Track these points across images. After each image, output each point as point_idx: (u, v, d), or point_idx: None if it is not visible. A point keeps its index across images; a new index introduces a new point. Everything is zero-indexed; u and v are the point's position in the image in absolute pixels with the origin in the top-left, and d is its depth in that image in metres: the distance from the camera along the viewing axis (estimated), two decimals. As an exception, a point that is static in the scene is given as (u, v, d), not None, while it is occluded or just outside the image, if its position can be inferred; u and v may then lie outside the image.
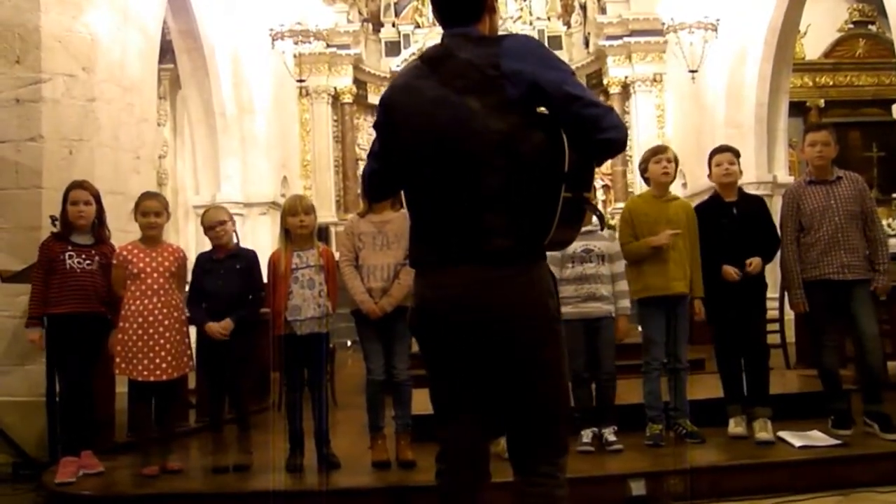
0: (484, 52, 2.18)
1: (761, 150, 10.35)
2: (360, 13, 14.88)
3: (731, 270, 4.54)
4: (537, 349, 2.18)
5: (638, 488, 3.87)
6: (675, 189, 4.86)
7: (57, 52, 5.34)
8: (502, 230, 2.13)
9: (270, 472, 4.21)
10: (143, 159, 6.11)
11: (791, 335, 7.16)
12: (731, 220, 4.63)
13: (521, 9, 15.19)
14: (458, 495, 2.27)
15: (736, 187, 4.75)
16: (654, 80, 13.74)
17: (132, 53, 6.04)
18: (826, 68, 12.65)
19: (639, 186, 12.46)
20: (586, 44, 14.97)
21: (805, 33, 12.16)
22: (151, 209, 4.41)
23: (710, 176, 4.81)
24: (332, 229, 12.42)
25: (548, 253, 2.26)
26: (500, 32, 2.40)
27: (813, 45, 12.65)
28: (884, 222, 8.85)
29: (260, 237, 9.75)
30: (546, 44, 11.05)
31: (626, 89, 13.99)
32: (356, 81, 14.31)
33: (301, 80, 12.28)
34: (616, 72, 13.98)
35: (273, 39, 11.31)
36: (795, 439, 4.37)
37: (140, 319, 4.26)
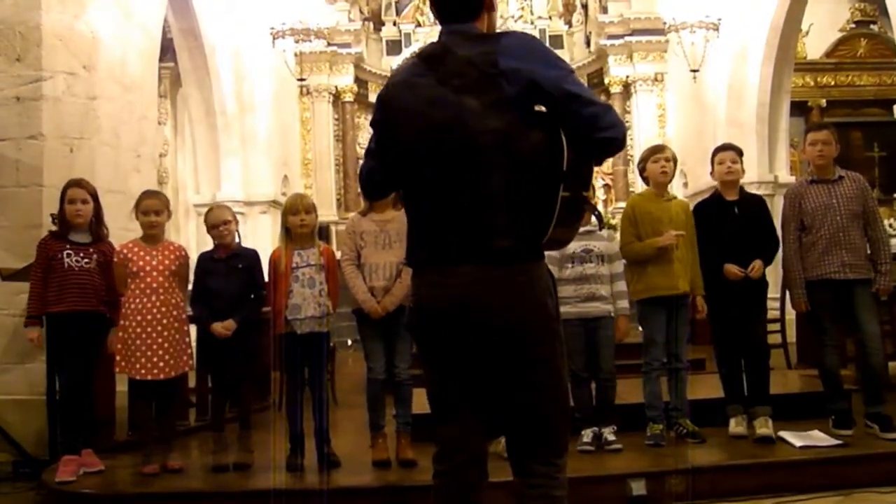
0: (482, 49, 2.16)
1: (763, 149, 10.34)
2: (361, 12, 14.86)
3: (733, 269, 4.54)
4: (536, 349, 2.18)
5: (638, 488, 3.87)
6: (677, 188, 4.86)
7: (58, 50, 5.33)
8: (502, 230, 2.12)
9: (271, 470, 4.20)
10: (143, 158, 6.11)
11: (792, 335, 7.16)
12: (731, 220, 4.63)
13: (523, 8, 15.17)
14: (458, 496, 2.26)
15: (738, 186, 4.75)
16: (656, 80, 13.73)
17: (133, 52, 6.04)
18: (828, 68, 12.64)
19: (639, 186, 12.45)
20: (587, 43, 14.95)
21: (807, 33, 12.16)
22: (152, 208, 4.41)
23: (712, 174, 4.81)
24: (333, 228, 12.41)
25: (547, 252, 2.25)
26: (498, 30, 2.39)
27: (814, 45, 12.64)
28: (885, 222, 8.84)
29: (260, 236, 9.75)
30: (547, 43, 11.08)
31: (627, 89, 13.97)
32: (357, 80, 14.29)
33: (302, 79, 12.27)
34: (617, 71, 13.96)
35: (274, 38, 11.30)
36: (796, 439, 4.37)
37: (139, 318, 4.25)
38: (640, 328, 4.68)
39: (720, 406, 4.70)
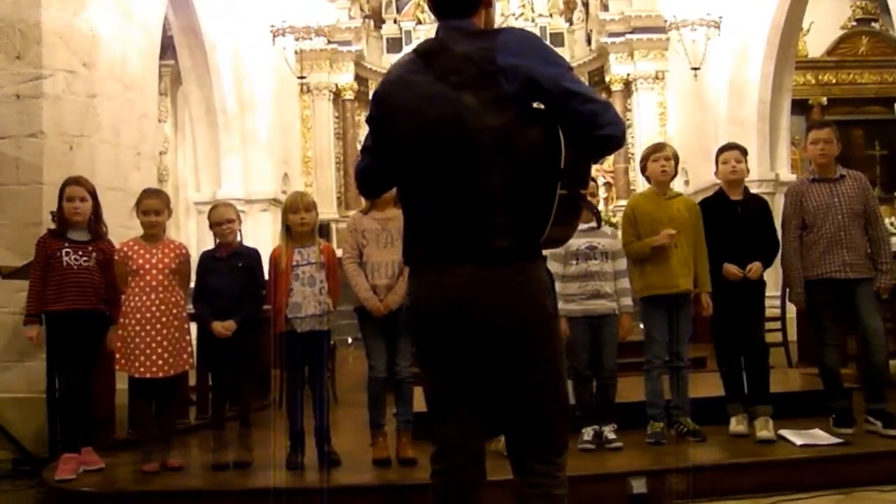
0: (479, 46, 2.14)
1: (764, 148, 10.34)
2: (361, 9, 14.85)
3: (732, 269, 4.53)
4: (536, 349, 2.16)
5: (639, 486, 3.86)
6: (678, 186, 4.85)
7: (58, 47, 5.33)
8: (501, 228, 2.10)
9: (271, 469, 4.20)
10: (143, 156, 6.11)
11: (793, 333, 7.15)
12: (734, 219, 4.62)
13: (524, 6, 15.16)
14: (456, 496, 2.25)
15: (742, 186, 4.74)
16: (657, 78, 13.73)
17: (133, 50, 6.03)
18: (829, 66, 12.63)
19: (640, 184, 12.45)
20: (588, 41, 14.95)
21: (808, 31, 12.14)
22: (152, 208, 4.40)
23: (716, 173, 4.80)
24: (334, 226, 12.41)
25: (552, 250, 2.24)
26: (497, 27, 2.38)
27: (816, 43, 12.63)
28: (886, 220, 8.84)
29: (261, 234, 9.75)
30: (548, 41, 11.06)
31: (628, 87, 13.97)
32: (357, 78, 14.28)
33: (302, 77, 12.27)
34: (618, 69, 13.96)
35: (274, 36, 11.29)
36: (797, 438, 4.36)
37: (138, 316, 4.25)
38: (642, 326, 4.68)
39: (721, 404, 4.70)
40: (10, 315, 5.07)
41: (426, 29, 14.44)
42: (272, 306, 4.34)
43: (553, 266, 4.35)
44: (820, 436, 4.40)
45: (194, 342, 4.62)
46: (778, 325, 7.04)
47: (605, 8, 14.16)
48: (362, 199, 4.53)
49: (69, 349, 4.33)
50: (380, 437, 4.31)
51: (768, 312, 5.23)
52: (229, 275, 4.47)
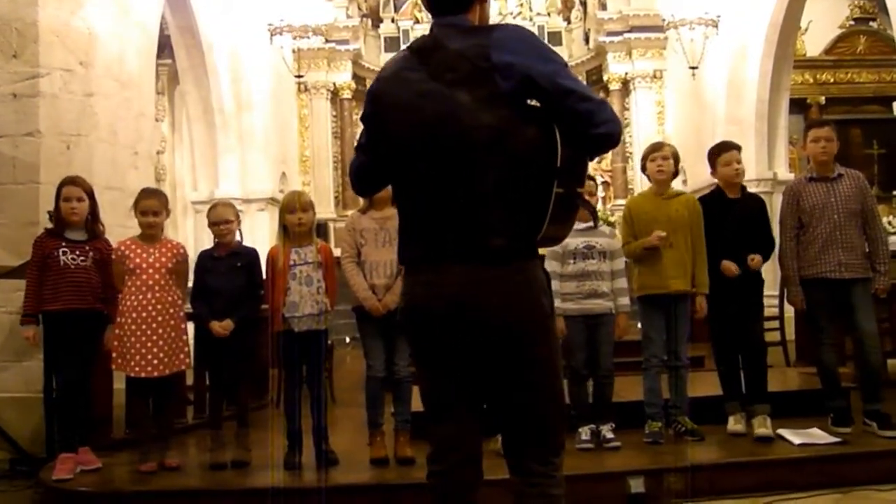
0: (474, 42, 2.13)
1: (762, 146, 10.34)
2: (359, 8, 14.84)
3: (730, 266, 4.53)
4: (533, 348, 2.15)
5: (637, 486, 3.86)
6: (676, 185, 4.84)
7: (55, 46, 5.32)
8: (498, 228, 2.09)
9: (269, 468, 4.19)
10: (141, 155, 6.09)
11: (791, 333, 7.15)
12: (731, 218, 4.62)
13: (521, 4, 15.16)
14: (453, 496, 2.24)
15: (740, 185, 4.74)
16: (655, 77, 13.73)
17: (130, 49, 6.02)
18: (827, 65, 12.62)
19: (639, 183, 12.46)
20: (586, 40, 14.94)
21: (806, 30, 12.14)
22: (151, 208, 4.39)
23: (714, 174, 4.78)
24: (331, 226, 12.40)
25: (549, 249, 2.23)
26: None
27: (814, 42, 12.62)
28: (884, 220, 8.85)
29: (258, 233, 9.74)
30: (546, 40, 11.06)
31: (626, 86, 13.97)
32: (355, 77, 14.27)
33: (300, 76, 12.26)
34: (616, 68, 13.95)
35: (271, 35, 11.28)
36: (795, 437, 4.36)
37: (135, 315, 4.24)
38: (640, 325, 4.68)
39: (719, 404, 4.70)
40: (7, 315, 5.07)
41: (424, 28, 14.41)
42: (269, 306, 4.34)
43: (551, 265, 4.36)
44: (818, 435, 4.40)
45: (192, 341, 4.61)
46: (776, 324, 7.04)
47: (603, 7, 14.15)
48: (360, 199, 4.51)
49: (66, 349, 4.32)
50: (378, 436, 4.31)
51: (766, 311, 5.23)
52: (228, 274, 4.46)
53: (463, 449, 2.24)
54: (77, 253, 4.37)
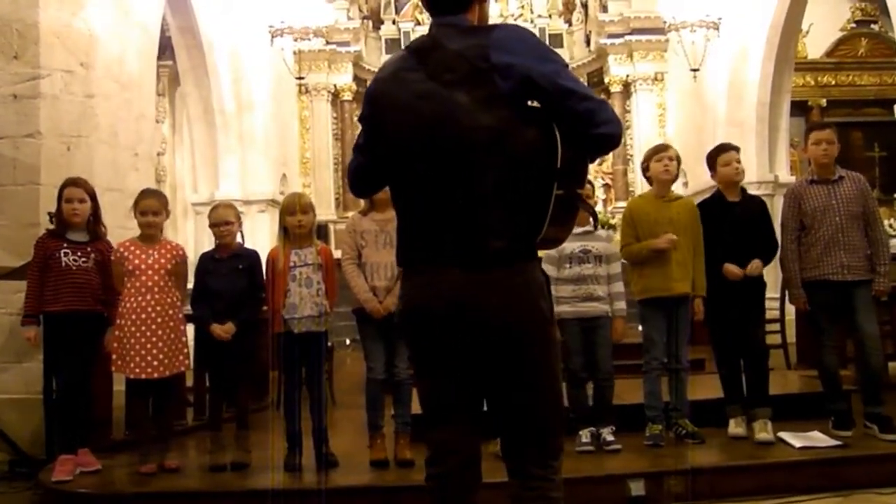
0: (473, 43, 2.11)
1: (763, 149, 10.33)
2: (360, 10, 14.84)
3: (733, 269, 4.52)
4: (533, 351, 2.14)
5: (637, 489, 3.86)
6: (677, 188, 4.84)
7: (55, 47, 5.31)
8: (497, 230, 2.08)
9: (269, 470, 4.19)
10: (141, 156, 6.09)
11: (792, 335, 7.15)
12: (733, 221, 4.61)
13: (523, 7, 15.17)
14: (453, 499, 2.23)
15: (739, 187, 4.73)
16: (656, 79, 13.72)
17: (131, 50, 6.02)
18: (828, 68, 12.62)
19: (640, 185, 12.44)
20: (587, 42, 14.94)
21: (807, 32, 12.13)
22: (150, 208, 4.39)
23: (713, 176, 4.78)
24: (332, 227, 12.39)
25: (546, 252, 2.22)
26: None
27: (815, 45, 12.62)
28: (885, 222, 8.83)
29: (258, 235, 9.73)
30: (547, 42, 11.04)
31: (627, 88, 13.97)
32: (356, 79, 14.26)
33: (300, 78, 12.24)
34: (617, 70, 13.95)
35: (272, 36, 11.27)
36: (795, 440, 4.36)
37: (134, 316, 4.24)
38: (640, 328, 4.67)
39: (720, 406, 4.69)
40: (8, 316, 5.06)
41: (425, 30, 14.27)
42: (269, 307, 4.33)
43: (547, 269, 4.34)
44: (819, 438, 4.39)
45: (192, 343, 4.61)
46: (777, 326, 7.03)
47: (605, 9, 14.15)
48: (361, 201, 4.51)
49: (67, 350, 4.32)
50: (378, 438, 4.31)
51: (768, 314, 5.23)
52: (229, 277, 4.46)
53: (462, 452, 2.23)
54: (78, 254, 4.37)
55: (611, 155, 13.19)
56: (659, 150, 4.72)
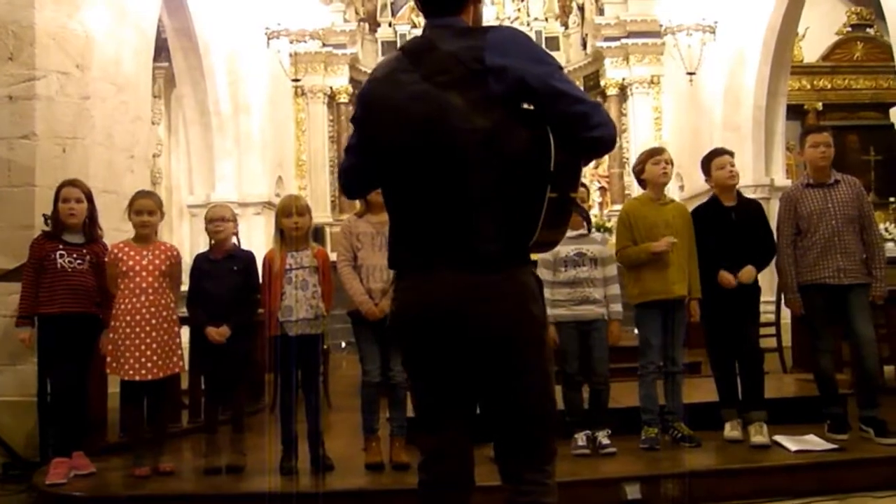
0: (468, 44, 2.10)
1: (759, 152, 10.35)
2: (356, 13, 14.83)
3: (727, 277, 4.52)
4: (525, 355, 2.13)
5: (633, 492, 3.85)
6: (673, 192, 4.85)
7: (51, 49, 5.31)
8: (490, 233, 2.06)
9: (264, 473, 4.19)
10: (137, 158, 6.09)
11: (787, 339, 7.15)
12: (729, 225, 4.62)
13: (519, 9, 15.18)
14: (446, 503, 2.22)
15: (735, 191, 4.74)
16: (652, 82, 13.73)
17: (127, 51, 6.01)
18: (824, 71, 12.63)
19: (635, 189, 12.44)
20: (584, 45, 14.95)
21: (803, 36, 12.15)
22: (145, 208, 4.38)
23: (708, 180, 4.78)
24: (328, 230, 12.38)
25: (541, 256, 2.21)
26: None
27: (811, 48, 12.64)
28: (881, 226, 8.85)
29: (254, 237, 9.72)
30: (543, 45, 11.06)
31: (623, 91, 13.98)
32: (352, 81, 14.23)
33: (296, 80, 12.22)
34: (613, 73, 13.96)
35: (268, 38, 11.26)
36: (791, 443, 4.36)
37: (128, 318, 4.23)
38: (636, 331, 4.67)
39: (715, 410, 4.69)
40: (2, 318, 5.05)
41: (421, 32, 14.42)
42: (265, 310, 4.33)
43: (542, 274, 4.33)
44: (814, 441, 4.39)
45: (187, 345, 4.59)
46: (772, 330, 7.04)
47: (601, 12, 14.16)
48: (357, 203, 4.50)
49: (61, 352, 4.30)
50: (373, 441, 4.30)
51: (763, 318, 5.23)
52: (224, 278, 4.45)
53: (455, 456, 2.22)
54: (74, 256, 4.36)
55: (606, 158, 13.19)
56: (654, 153, 4.72)
